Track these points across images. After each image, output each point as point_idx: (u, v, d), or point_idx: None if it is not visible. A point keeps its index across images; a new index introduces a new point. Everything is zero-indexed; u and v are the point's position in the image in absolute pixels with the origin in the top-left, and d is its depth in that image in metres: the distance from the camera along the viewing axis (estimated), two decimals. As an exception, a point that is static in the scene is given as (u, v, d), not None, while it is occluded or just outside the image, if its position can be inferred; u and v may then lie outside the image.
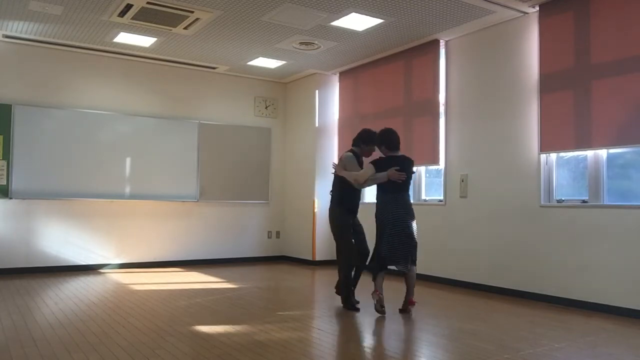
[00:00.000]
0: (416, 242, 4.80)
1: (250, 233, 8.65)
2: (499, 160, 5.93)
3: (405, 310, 4.80)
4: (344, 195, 5.02)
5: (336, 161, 8.31)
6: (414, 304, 4.81)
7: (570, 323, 4.49)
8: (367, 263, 4.99)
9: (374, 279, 4.75)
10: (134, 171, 7.61)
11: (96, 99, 7.49)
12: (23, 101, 6.99)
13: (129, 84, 7.75)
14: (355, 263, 4.99)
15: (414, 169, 5.12)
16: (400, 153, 4.93)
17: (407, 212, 4.79)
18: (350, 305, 4.90)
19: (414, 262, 4.79)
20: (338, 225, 5.04)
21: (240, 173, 8.49)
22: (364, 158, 5.14)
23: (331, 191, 5.20)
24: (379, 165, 4.80)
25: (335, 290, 5.22)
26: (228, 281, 6.54)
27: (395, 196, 4.77)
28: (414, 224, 4.80)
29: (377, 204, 4.85)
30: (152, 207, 7.81)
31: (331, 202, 5.14)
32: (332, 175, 5.23)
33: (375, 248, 4.79)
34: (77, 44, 7.02)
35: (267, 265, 8.20)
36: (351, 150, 5.10)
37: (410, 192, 7.03)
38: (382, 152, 4.95)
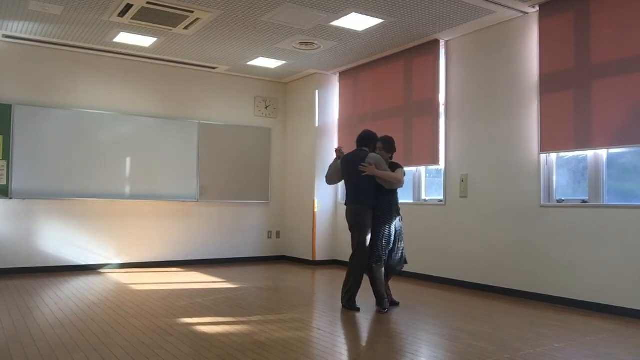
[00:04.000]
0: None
1: (250, 233, 8.65)
2: (499, 160, 5.93)
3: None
4: (375, 196, 4.95)
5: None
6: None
7: (570, 323, 4.49)
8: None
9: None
10: (134, 171, 7.61)
11: (96, 99, 7.49)
12: (23, 101, 6.99)
13: (129, 84, 7.75)
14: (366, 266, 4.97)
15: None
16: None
17: None
18: (350, 305, 4.89)
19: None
20: (367, 225, 4.89)
21: (240, 173, 8.49)
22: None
23: (351, 190, 5.04)
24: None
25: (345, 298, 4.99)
26: (228, 281, 6.54)
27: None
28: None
29: (394, 204, 5.01)
30: (152, 207, 7.80)
31: (358, 202, 4.94)
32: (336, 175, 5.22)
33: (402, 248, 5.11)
34: (77, 44, 7.02)
35: (267, 265, 8.20)
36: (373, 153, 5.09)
37: (410, 192, 7.09)
38: (386, 157, 5.10)
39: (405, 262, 5.11)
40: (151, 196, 7.71)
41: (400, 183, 4.94)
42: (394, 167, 5.03)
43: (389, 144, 5.14)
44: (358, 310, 4.84)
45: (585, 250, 5.07)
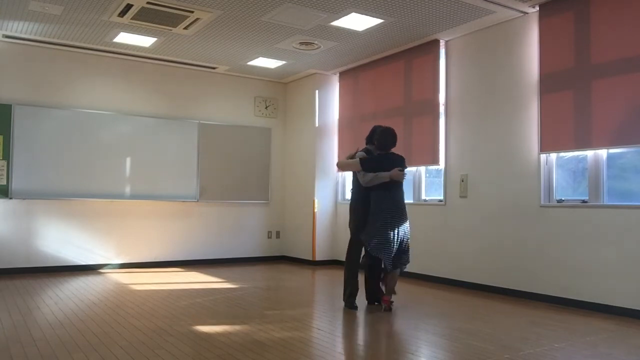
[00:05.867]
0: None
1: (250, 233, 8.65)
2: (499, 160, 5.93)
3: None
4: (359, 192, 5.05)
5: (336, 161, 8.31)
6: (388, 303, 4.86)
7: (570, 323, 4.49)
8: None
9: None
10: (134, 171, 7.61)
11: (96, 99, 7.49)
12: (23, 101, 6.98)
13: (129, 84, 7.75)
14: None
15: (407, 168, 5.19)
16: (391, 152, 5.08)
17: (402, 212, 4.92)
18: (350, 304, 4.90)
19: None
20: (354, 222, 5.05)
21: (240, 173, 8.49)
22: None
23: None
24: (367, 163, 4.88)
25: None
26: (228, 281, 6.54)
27: (392, 194, 4.89)
28: (405, 225, 4.88)
29: (376, 201, 4.85)
30: (152, 207, 7.80)
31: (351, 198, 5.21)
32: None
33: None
34: (77, 44, 7.02)
35: (267, 265, 8.20)
36: (365, 149, 5.10)
37: (410, 192, 7.09)
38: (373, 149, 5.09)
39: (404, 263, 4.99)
40: (151, 196, 7.71)
41: (349, 167, 5.11)
42: (372, 162, 4.96)
43: (370, 136, 5.16)
44: (355, 308, 4.85)
45: (585, 250, 5.07)
